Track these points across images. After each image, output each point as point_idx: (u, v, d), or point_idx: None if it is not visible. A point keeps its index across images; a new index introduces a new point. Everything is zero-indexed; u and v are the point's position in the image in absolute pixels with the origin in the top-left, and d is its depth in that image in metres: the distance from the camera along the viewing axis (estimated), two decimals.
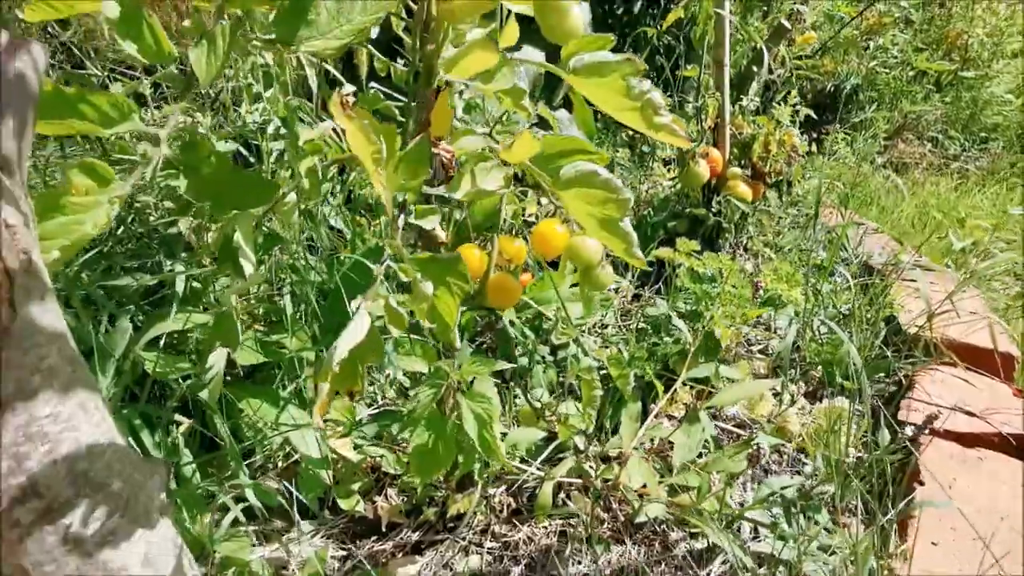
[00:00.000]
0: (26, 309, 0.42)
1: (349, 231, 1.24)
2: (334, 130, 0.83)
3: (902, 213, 2.52)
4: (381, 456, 1.04)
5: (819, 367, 1.43)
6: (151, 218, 1.09)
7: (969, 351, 1.41)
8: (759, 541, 1.03)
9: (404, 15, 0.78)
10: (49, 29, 1.29)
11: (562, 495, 1.09)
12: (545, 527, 1.04)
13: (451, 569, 0.98)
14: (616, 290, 1.53)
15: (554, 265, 1.23)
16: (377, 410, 1.14)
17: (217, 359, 0.82)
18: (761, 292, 1.46)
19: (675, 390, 1.21)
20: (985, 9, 3.57)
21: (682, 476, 1.03)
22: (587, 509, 1.04)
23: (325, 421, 1.02)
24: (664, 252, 1.39)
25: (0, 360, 0.41)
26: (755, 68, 1.78)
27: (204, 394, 0.86)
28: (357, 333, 0.50)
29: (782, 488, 1.03)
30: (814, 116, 1.99)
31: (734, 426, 1.30)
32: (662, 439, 1.17)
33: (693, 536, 1.03)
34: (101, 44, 1.19)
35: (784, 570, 0.94)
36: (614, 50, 0.57)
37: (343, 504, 1.02)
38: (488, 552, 1.01)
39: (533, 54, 1.66)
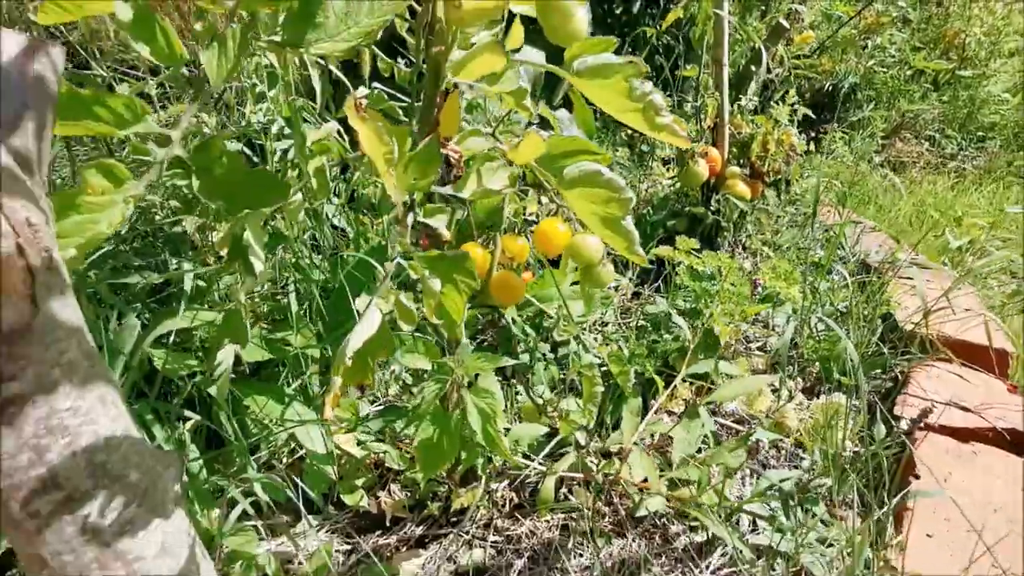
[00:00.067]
0: (47, 305, 0.43)
1: (352, 230, 1.25)
2: (338, 131, 0.85)
3: (899, 211, 2.54)
4: (385, 452, 1.06)
5: (817, 363, 1.44)
6: (157, 217, 1.10)
7: (964, 347, 1.42)
8: (758, 533, 1.04)
9: (408, 16, 0.79)
10: (52, 30, 1.30)
11: (564, 490, 1.10)
12: (547, 521, 1.06)
13: (455, 562, 1.00)
14: (616, 288, 1.55)
15: (555, 263, 1.24)
16: (380, 407, 1.16)
17: (225, 356, 0.84)
18: (760, 290, 1.47)
19: (675, 386, 1.22)
20: (982, 8, 3.59)
21: (682, 470, 1.05)
22: (588, 503, 1.05)
23: (328, 419, 1.04)
24: (664, 250, 1.40)
25: (22, 355, 0.42)
26: (754, 67, 1.79)
27: (213, 390, 0.87)
28: (369, 328, 0.51)
29: (780, 481, 1.05)
30: (812, 115, 2.00)
31: (733, 421, 1.31)
32: (662, 434, 1.19)
33: (693, 529, 1.05)
34: (106, 45, 1.20)
35: (782, 562, 0.96)
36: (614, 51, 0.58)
37: (347, 499, 1.03)
38: (491, 545, 1.02)
39: (534, 54, 1.67)
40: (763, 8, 2.36)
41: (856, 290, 1.55)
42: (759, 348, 1.52)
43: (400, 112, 0.89)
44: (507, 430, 1.06)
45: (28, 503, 0.43)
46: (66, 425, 0.44)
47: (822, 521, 1.00)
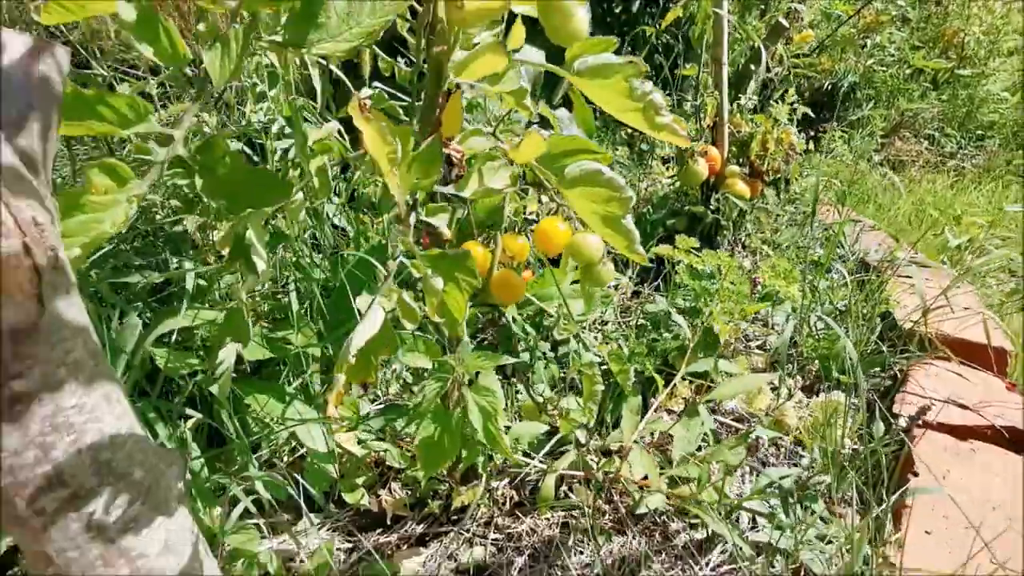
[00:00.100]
0: (53, 304, 0.43)
1: (353, 229, 1.26)
2: (339, 130, 0.85)
3: (899, 210, 2.54)
4: (385, 450, 1.06)
5: (816, 362, 1.45)
6: (157, 216, 1.11)
7: (963, 346, 1.43)
8: (757, 531, 1.05)
9: (409, 16, 0.80)
10: (52, 30, 1.31)
11: (564, 487, 1.10)
12: (548, 519, 1.06)
13: (455, 560, 1.00)
14: (616, 287, 1.55)
15: (555, 262, 1.24)
16: (381, 405, 1.16)
17: (227, 354, 0.84)
18: (759, 288, 1.48)
19: (675, 385, 1.23)
20: (981, 7, 3.59)
21: (682, 468, 1.05)
22: (589, 501, 1.05)
23: (330, 417, 1.04)
24: (663, 249, 1.41)
25: (28, 354, 0.42)
26: (753, 66, 1.79)
27: (214, 389, 0.87)
28: (372, 326, 0.52)
29: (780, 479, 1.05)
30: (812, 114, 2.00)
31: (733, 420, 1.32)
32: (662, 432, 1.19)
33: (693, 527, 1.05)
34: (107, 45, 1.21)
35: (781, 558, 0.96)
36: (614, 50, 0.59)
37: (348, 498, 1.04)
38: (492, 543, 1.02)
39: (534, 54, 1.67)
40: (762, 7, 2.36)
41: (855, 288, 1.56)
42: (759, 346, 1.53)
43: (401, 112, 0.89)
44: (507, 428, 1.06)
45: (34, 500, 0.43)
46: (72, 423, 0.45)
47: (821, 518, 1.01)
